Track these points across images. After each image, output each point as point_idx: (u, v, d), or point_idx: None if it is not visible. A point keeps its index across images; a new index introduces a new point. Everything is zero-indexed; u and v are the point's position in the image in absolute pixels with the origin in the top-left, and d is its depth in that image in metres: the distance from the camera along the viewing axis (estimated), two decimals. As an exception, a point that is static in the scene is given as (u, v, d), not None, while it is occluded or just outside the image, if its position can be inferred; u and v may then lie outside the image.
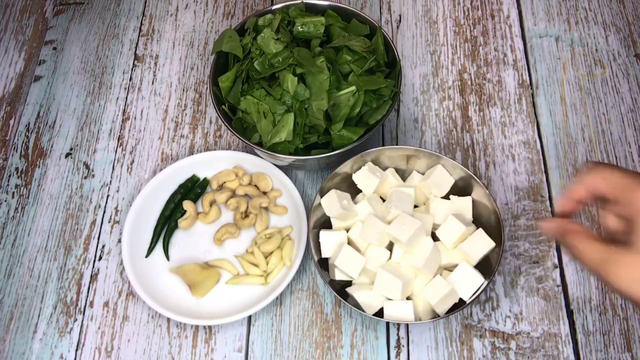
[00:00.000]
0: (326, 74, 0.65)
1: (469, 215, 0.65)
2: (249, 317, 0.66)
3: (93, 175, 0.77)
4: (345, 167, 0.66)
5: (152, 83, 0.83)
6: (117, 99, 0.82)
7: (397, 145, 0.76)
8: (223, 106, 0.69)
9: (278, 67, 0.66)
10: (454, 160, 0.65)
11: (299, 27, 0.69)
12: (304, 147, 0.67)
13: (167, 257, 0.70)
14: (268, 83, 0.67)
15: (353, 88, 0.65)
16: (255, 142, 0.67)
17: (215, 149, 0.77)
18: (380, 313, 0.61)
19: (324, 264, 0.65)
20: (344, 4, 0.75)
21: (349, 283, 0.64)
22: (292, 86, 0.65)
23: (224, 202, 0.72)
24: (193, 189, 0.73)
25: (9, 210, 0.75)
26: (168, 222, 0.71)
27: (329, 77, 0.64)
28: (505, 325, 0.64)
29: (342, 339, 0.65)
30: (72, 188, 0.76)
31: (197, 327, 0.66)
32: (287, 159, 0.66)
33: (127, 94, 0.83)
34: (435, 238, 0.63)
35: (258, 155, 0.71)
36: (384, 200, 0.68)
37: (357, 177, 0.67)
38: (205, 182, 0.74)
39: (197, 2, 0.90)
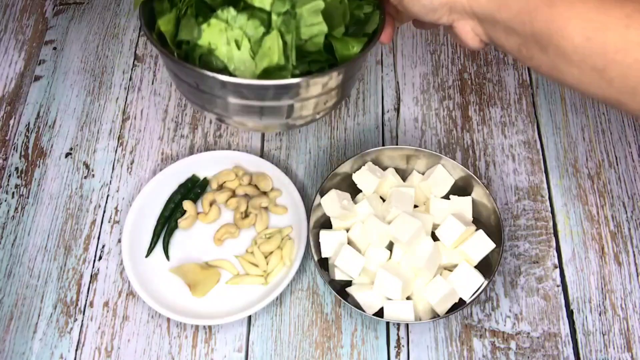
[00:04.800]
0: None
1: (468, 215, 0.65)
2: (249, 317, 0.66)
3: (93, 175, 0.77)
4: (345, 167, 0.66)
5: (152, 83, 0.83)
6: (117, 98, 0.82)
7: (397, 145, 0.76)
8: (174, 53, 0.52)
9: None
10: (454, 160, 0.65)
11: None
12: (300, 73, 0.51)
13: (167, 257, 0.70)
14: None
15: None
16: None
17: (215, 149, 0.77)
18: (380, 313, 0.61)
19: (324, 264, 0.65)
20: None
21: (349, 283, 0.64)
22: None
23: (224, 202, 0.72)
24: (193, 189, 0.73)
25: (9, 210, 0.75)
26: (168, 222, 0.71)
27: None
28: (505, 325, 0.64)
29: (342, 339, 0.65)
30: (72, 188, 0.76)
31: (197, 327, 0.66)
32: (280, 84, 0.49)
33: (127, 93, 0.83)
34: (435, 238, 0.63)
35: (257, 156, 0.70)
36: (384, 200, 0.68)
37: (357, 177, 0.67)
38: (205, 182, 0.74)
39: (197, 1, 0.89)
